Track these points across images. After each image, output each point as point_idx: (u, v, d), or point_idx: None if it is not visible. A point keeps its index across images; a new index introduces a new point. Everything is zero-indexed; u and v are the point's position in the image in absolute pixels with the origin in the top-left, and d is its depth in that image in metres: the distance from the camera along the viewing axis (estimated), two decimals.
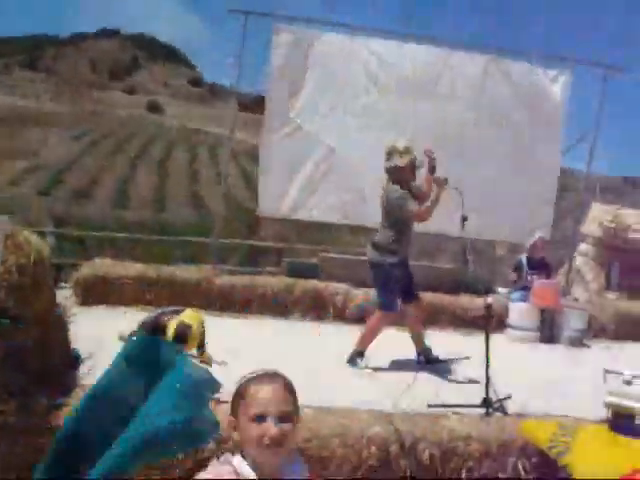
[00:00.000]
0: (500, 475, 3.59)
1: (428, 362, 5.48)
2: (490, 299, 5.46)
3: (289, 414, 1.71)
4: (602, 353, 6.85)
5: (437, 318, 7.14)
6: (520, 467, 3.58)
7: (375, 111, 7.29)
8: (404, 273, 5.31)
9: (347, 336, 5.74)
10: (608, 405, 3.06)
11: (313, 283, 7.06)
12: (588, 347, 6.96)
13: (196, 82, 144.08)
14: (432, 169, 5.25)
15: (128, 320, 5.94)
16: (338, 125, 7.28)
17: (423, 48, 7.40)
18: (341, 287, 7.10)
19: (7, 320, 3.41)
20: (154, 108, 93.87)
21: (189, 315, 4.69)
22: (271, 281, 7.03)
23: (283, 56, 7.07)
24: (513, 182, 7.35)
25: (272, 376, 1.79)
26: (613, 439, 2.86)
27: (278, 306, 6.95)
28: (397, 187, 5.15)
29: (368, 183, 7.16)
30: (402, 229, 5.21)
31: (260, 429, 1.67)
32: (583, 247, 11.32)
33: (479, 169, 7.20)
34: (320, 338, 6.35)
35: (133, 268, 6.95)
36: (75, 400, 3.47)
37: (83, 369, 4.09)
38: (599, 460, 2.59)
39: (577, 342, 6.88)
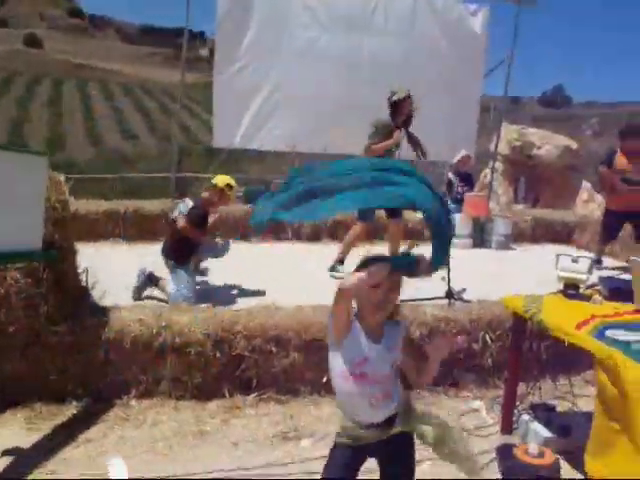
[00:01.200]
0: (474, 345, 4.53)
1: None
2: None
3: (397, 286, 2.24)
4: (524, 253, 8.00)
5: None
6: (487, 338, 4.54)
7: (316, 45, 7.86)
8: None
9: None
10: (561, 278, 3.97)
11: None
12: (513, 249, 8.06)
13: (74, 13, 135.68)
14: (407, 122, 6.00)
15: (104, 253, 6.48)
16: (283, 60, 7.79)
17: None
18: None
19: (55, 251, 3.87)
20: (33, 42, 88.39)
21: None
22: (232, 208, 7.57)
23: None
24: (443, 107, 8.12)
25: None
26: (566, 302, 3.77)
27: (237, 229, 7.54)
28: (385, 121, 5.89)
29: (314, 114, 7.82)
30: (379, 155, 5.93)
31: (375, 292, 2.19)
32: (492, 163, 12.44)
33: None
34: (290, 255, 7.11)
35: (101, 204, 7.31)
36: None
37: (96, 293, 4.62)
38: (563, 314, 3.47)
39: (504, 245, 7.96)
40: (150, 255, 6.00)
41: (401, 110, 5.88)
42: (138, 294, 5.20)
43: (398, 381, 2.37)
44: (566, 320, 3.38)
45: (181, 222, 5.23)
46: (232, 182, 5.49)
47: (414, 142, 5.95)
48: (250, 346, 4.09)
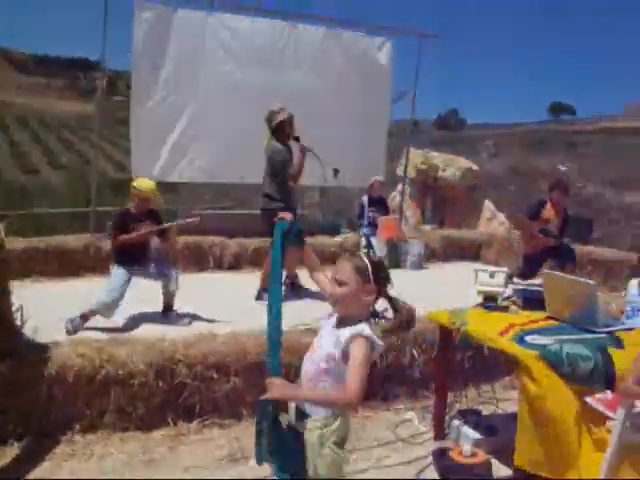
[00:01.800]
0: (402, 360, 4.83)
1: (292, 287, 6.71)
2: (339, 238, 6.96)
3: (343, 281, 2.40)
4: (437, 271, 8.45)
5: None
6: (414, 352, 4.84)
7: (232, 80, 8.11)
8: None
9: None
10: (480, 292, 4.33)
11: (193, 238, 7.80)
12: (427, 268, 8.49)
13: None
14: (297, 139, 6.31)
15: (30, 291, 6.37)
16: (200, 94, 7.97)
17: (270, 22, 8.30)
18: (216, 239, 7.95)
19: None
20: None
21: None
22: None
23: (145, 32, 7.55)
24: (353, 137, 8.51)
25: (352, 254, 2.55)
26: (487, 314, 4.13)
27: None
28: (280, 147, 6.15)
29: (230, 145, 8.03)
30: (285, 181, 6.28)
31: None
32: (400, 187, 12.98)
33: (325, 128, 8.16)
34: (215, 284, 7.22)
35: (17, 242, 7.18)
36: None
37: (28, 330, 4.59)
38: (486, 324, 3.81)
39: (418, 265, 8.38)
40: (74, 290, 6.05)
41: (283, 133, 6.26)
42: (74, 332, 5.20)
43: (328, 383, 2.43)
44: (489, 329, 3.73)
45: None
46: (140, 184, 5.67)
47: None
48: (191, 374, 4.20)
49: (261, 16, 8.31)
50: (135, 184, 5.68)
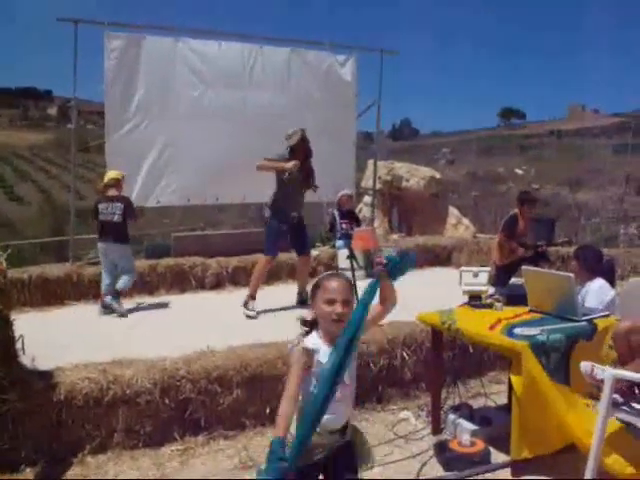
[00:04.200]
0: (393, 362, 5.04)
1: (301, 302, 6.82)
2: (313, 252, 7.31)
3: (349, 300, 2.53)
4: (413, 277, 8.60)
5: (278, 274, 8.42)
6: (404, 354, 5.06)
7: (203, 103, 8.29)
8: (293, 229, 6.66)
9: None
10: (465, 292, 4.58)
11: (174, 260, 7.92)
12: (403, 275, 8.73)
13: None
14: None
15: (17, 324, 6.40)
16: (173, 118, 8.10)
17: (238, 45, 8.51)
18: (197, 260, 8.08)
19: None
20: None
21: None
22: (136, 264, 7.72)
23: (115, 60, 7.66)
24: (322, 152, 8.66)
25: (338, 275, 2.70)
26: (474, 311, 4.37)
27: (146, 285, 7.72)
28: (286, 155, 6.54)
29: (205, 168, 8.19)
30: (285, 191, 6.51)
31: (331, 308, 2.50)
32: (367, 198, 13.23)
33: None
34: (200, 303, 7.36)
35: None
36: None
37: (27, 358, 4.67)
38: (475, 321, 4.06)
39: None
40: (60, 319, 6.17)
41: (298, 153, 6.55)
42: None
43: (350, 392, 2.60)
44: (479, 326, 3.98)
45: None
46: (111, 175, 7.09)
47: (306, 175, 6.64)
48: (195, 389, 4.35)
49: (228, 40, 8.51)
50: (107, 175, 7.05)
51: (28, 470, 3.97)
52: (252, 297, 6.60)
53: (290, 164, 6.41)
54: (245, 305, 6.59)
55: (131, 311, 6.95)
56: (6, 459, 3.96)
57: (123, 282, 6.90)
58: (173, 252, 8.31)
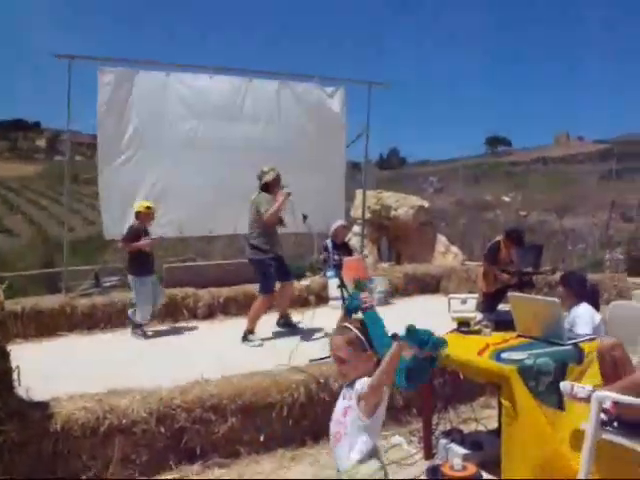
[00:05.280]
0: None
1: (286, 325, 7.22)
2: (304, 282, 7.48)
3: (342, 358, 2.66)
4: (403, 305, 8.82)
5: None
6: None
7: (194, 135, 8.44)
8: (279, 263, 6.78)
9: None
10: (454, 318, 4.69)
11: (167, 290, 7.96)
12: (393, 303, 8.85)
13: None
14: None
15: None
16: (165, 151, 8.25)
17: (228, 79, 8.70)
18: (189, 290, 8.16)
19: None
20: None
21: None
22: (128, 295, 7.77)
23: (108, 94, 7.83)
24: (313, 183, 8.84)
25: (340, 329, 2.75)
26: (462, 337, 4.48)
27: None
28: (267, 197, 6.67)
29: (198, 199, 8.33)
30: (269, 231, 6.68)
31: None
32: (356, 228, 13.35)
33: (286, 175, 8.48)
34: (193, 333, 7.42)
35: None
36: None
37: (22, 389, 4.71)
38: (464, 347, 4.16)
39: (384, 301, 8.72)
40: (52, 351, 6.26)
41: (272, 189, 6.75)
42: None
43: (359, 439, 2.61)
44: (468, 351, 4.08)
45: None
46: (146, 204, 7.33)
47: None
48: (190, 418, 4.41)
49: (218, 73, 8.69)
50: (143, 204, 7.33)
51: None
52: (251, 332, 6.73)
53: (285, 196, 6.64)
54: (245, 339, 6.71)
55: (124, 342, 7.00)
56: None
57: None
58: (165, 283, 8.36)
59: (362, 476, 2.57)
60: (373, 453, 2.63)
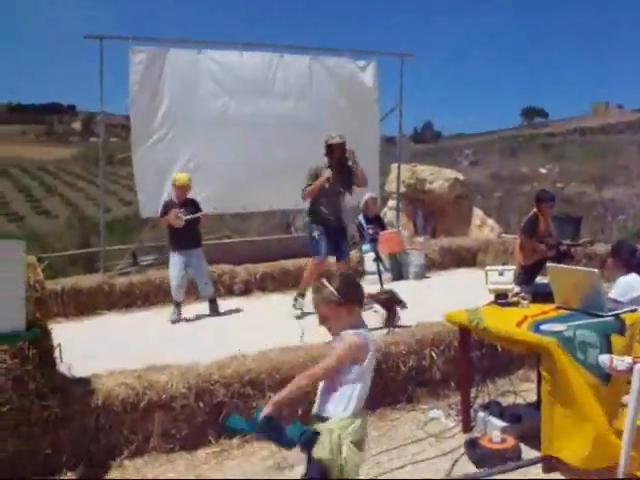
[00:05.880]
0: (422, 362, 5.09)
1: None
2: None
3: (324, 316, 2.71)
4: (439, 279, 8.75)
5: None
6: (433, 354, 5.11)
7: (227, 112, 8.43)
8: (332, 233, 6.83)
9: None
10: (491, 290, 4.62)
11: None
12: (428, 277, 8.79)
13: None
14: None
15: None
16: (198, 129, 8.27)
17: (259, 54, 8.66)
18: (226, 267, 8.21)
19: (38, 330, 4.09)
20: None
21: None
22: (165, 273, 7.84)
23: (140, 73, 7.86)
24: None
25: (316, 288, 2.77)
26: (500, 310, 4.41)
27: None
28: (314, 167, 6.74)
29: (231, 177, 8.32)
30: (319, 198, 6.72)
31: None
32: (391, 202, 13.27)
33: (320, 151, 8.48)
34: (229, 310, 7.47)
35: None
36: None
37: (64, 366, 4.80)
38: (502, 319, 4.11)
39: (420, 275, 8.68)
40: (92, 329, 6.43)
41: (331, 152, 6.70)
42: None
43: (334, 396, 2.68)
44: (506, 323, 4.02)
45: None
46: (176, 176, 7.23)
47: (342, 180, 6.78)
48: (229, 393, 4.45)
49: (248, 49, 8.66)
50: (175, 177, 7.20)
51: (69, 474, 4.09)
52: (301, 295, 6.88)
53: (324, 178, 6.62)
54: (295, 300, 6.93)
55: (162, 319, 7.08)
56: (48, 463, 4.10)
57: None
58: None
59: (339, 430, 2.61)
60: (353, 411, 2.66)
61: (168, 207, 7.04)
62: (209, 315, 7.20)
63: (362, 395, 2.69)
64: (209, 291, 7.24)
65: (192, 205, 7.11)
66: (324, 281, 2.74)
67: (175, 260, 6.99)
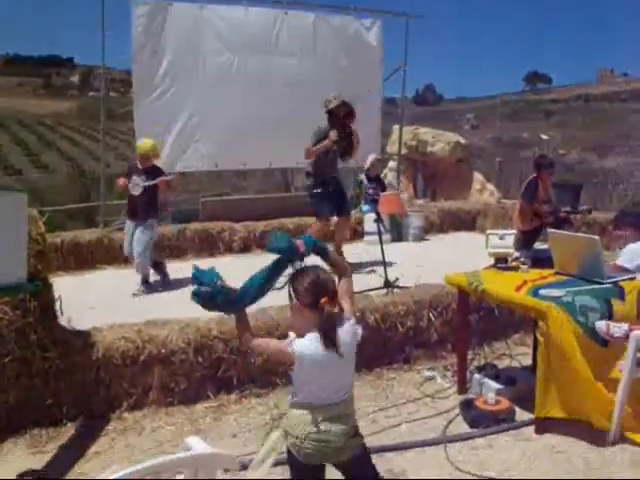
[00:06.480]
0: (420, 324, 5.14)
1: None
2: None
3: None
4: (438, 241, 8.78)
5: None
6: (431, 315, 5.15)
7: (229, 68, 8.35)
8: (332, 191, 6.82)
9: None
10: (491, 254, 4.64)
11: (202, 224, 8.04)
12: (427, 240, 8.82)
13: None
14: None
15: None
16: (200, 84, 8.20)
17: (263, 11, 8.52)
18: (225, 224, 8.22)
19: (39, 282, 4.10)
20: None
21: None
22: (165, 229, 7.84)
23: (142, 26, 7.76)
24: None
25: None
26: (500, 274, 4.44)
27: (172, 249, 7.86)
28: (324, 126, 6.61)
29: (232, 133, 8.27)
30: (325, 159, 6.69)
31: None
32: (392, 164, 13.23)
33: (322, 110, 8.42)
34: (228, 267, 7.45)
35: None
36: None
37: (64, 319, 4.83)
38: (501, 283, 4.13)
39: (419, 237, 8.70)
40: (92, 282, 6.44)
41: (335, 117, 6.58)
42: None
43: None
44: (505, 287, 4.05)
45: None
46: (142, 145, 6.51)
47: (346, 145, 6.72)
48: (228, 349, 4.49)
49: (253, 5, 8.53)
50: (138, 144, 6.61)
51: (69, 425, 4.15)
52: None
53: (331, 140, 6.53)
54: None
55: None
56: (49, 414, 4.15)
57: None
58: (201, 217, 8.43)
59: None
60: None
61: (130, 171, 6.54)
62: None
63: (302, 393, 2.55)
64: (141, 269, 6.54)
65: (154, 174, 6.42)
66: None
67: (126, 227, 6.67)
